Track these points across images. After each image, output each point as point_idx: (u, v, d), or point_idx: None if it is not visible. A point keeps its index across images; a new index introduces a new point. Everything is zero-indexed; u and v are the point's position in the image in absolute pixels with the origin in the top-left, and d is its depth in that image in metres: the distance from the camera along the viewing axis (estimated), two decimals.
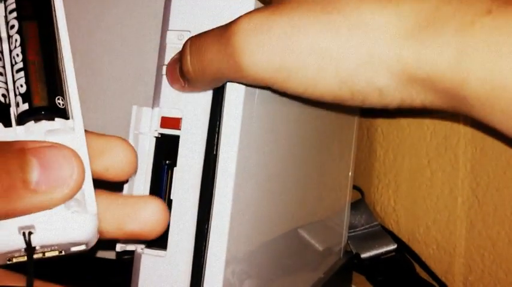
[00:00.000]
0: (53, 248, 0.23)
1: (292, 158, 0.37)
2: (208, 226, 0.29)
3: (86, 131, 0.24)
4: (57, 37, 0.24)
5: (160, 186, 0.31)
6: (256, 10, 0.27)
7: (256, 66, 0.26)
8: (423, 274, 0.54)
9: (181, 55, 0.29)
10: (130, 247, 0.31)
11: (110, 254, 0.41)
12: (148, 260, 0.30)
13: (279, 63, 0.25)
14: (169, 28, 0.30)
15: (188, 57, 0.28)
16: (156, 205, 0.24)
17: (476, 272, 0.52)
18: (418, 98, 0.26)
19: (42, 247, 0.22)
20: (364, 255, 0.54)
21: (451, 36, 0.24)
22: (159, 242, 0.30)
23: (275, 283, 0.37)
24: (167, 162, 0.31)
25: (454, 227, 0.54)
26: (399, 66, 0.25)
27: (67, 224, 0.22)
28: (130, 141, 0.30)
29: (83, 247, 0.23)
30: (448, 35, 0.24)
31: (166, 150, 0.30)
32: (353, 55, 0.25)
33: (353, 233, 0.55)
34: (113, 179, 0.25)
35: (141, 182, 0.31)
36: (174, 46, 0.30)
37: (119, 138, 0.25)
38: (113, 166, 0.24)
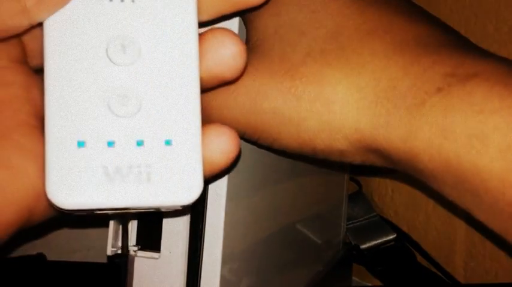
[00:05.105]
0: None
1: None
2: (202, 225, 0.29)
3: None
4: None
5: None
6: None
7: (226, 123, 0.27)
8: (424, 262, 0.54)
9: None
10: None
11: (101, 258, 0.41)
12: (142, 262, 0.30)
13: (244, 122, 0.27)
14: None
15: None
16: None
17: (478, 258, 0.52)
18: (378, 162, 0.27)
19: None
20: (363, 246, 0.53)
21: (403, 115, 0.25)
22: (152, 244, 0.30)
23: (273, 278, 0.37)
24: None
25: (454, 213, 0.53)
26: (356, 136, 0.26)
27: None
28: None
29: None
30: (400, 113, 0.25)
31: None
32: (313, 122, 0.26)
33: (352, 225, 0.55)
34: (223, 81, 0.24)
35: None
36: None
37: (221, 30, 0.23)
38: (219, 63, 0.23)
